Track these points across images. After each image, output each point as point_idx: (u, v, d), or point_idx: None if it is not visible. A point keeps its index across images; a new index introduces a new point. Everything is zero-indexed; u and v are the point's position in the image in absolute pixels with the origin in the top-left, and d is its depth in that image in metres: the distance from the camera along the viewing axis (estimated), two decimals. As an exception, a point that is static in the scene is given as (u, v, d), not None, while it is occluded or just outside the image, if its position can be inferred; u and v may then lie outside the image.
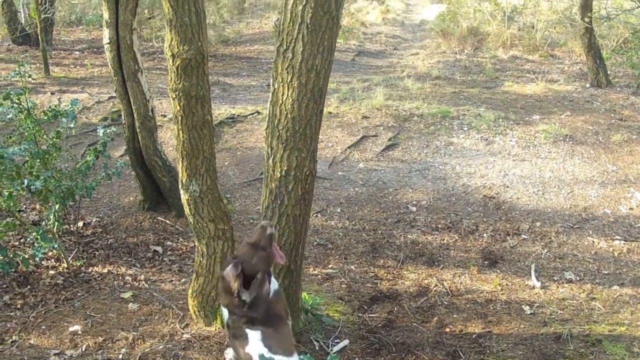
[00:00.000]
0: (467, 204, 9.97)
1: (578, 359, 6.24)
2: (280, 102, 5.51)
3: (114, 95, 12.47)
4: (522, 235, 9.06)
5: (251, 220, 9.22)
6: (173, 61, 5.39)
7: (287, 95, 5.45)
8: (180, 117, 5.59)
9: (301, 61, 5.34)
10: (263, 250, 4.98)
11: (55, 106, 7.94)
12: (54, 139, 7.72)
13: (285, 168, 5.69)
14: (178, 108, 5.55)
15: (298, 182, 5.76)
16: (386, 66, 18.61)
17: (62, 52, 19.23)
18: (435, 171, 11.00)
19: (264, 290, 5.00)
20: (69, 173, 7.91)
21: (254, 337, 4.94)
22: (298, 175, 5.73)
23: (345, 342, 6.40)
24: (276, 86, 5.53)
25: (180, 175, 5.88)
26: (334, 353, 6.18)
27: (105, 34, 8.40)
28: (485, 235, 9.05)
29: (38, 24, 16.02)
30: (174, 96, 5.53)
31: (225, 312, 5.21)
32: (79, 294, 7.17)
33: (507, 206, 9.87)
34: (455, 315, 7.12)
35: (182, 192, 5.92)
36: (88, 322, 6.61)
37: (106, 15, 8.31)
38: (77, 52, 19.26)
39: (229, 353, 5.56)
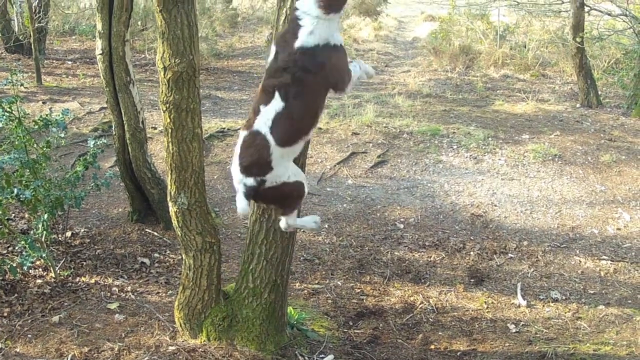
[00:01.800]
0: (454, 222, 10.00)
1: (562, 378, 6.28)
2: (271, 117, 5.53)
3: (105, 106, 12.49)
4: (509, 254, 9.08)
5: (239, 234, 9.24)
6: (164, 74, 5.41)
7: (278, 110, 5.47)
8: (170, 130, 5.62)
9: (292, 76, 5.36)
10: None
11: (46, 115, 7.93)
12: (44, 149, 7.72)
13: (275, 182, 5.71)
14: (168, 120, 5.58)
15: (286, 196, 5.77)
16: (377, 83, 18.63)
17: (54, 61, 19.22)
18: (423, 189, 11.03)
19: None
20: (58, 183, 7.91)
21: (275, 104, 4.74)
22: (288, 189, 5.75)
23: (330, 357, 6.41)
24: (267, 101, 5.54)
25: (169, 187, 5.90)
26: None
27: (98, 45, 8.43)
28: (472, 253, 9.07)
29: (31, 33, 16.03)
30: (164, 108, 5.56)
31: None
32: (65, 304, 7.18)
33: (494, 225, 9.90)
34: (440, 333, 7.15)
35: (170, 204, 5.94)
36: (74, 331, 6.62)
37: (99, 26, 8.34)
38: (70, 62, 19.26)
39: None
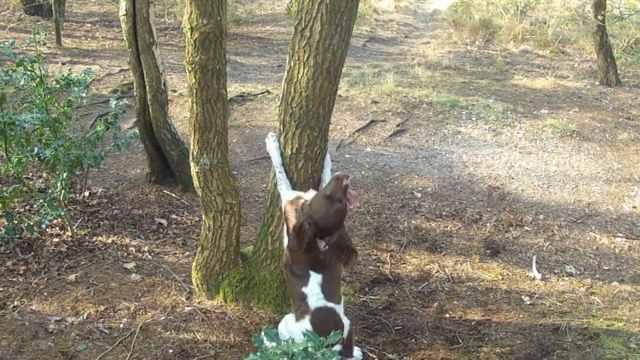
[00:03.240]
0: (471, 193, 9.99)
1: (575, 351, 6.27)
2: (296, 80, 5.54)
3: (125, 67, 12.55)
4: (525, 227, 9.08)
5: (257, 198, 9.26)
6: (191, 34, 5.42)
7: (303, 73, 5.49)
8: (195, 90, 5.63)
9: (318, 40, 5.38)
10: (339, 203, 4.97)
11: (68, 75, 7.94)
12: (65, 108, 7.74)
13: (297, 146, 5.73)
14: (193, 81, 5.59)
15: (308, 160, 5.79)
16: (397, 53, 18.59)
17: (73, 24, 19.19)
18: (441, 159, 11.02)
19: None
20: (78, 142, 7.92)
21: (315, 280, 5.17)
22: (309, 154, 5.77)
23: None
24: (292, 64, 5.56)
25: (191, 147, 5.92)
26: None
27: (122, 6, 8.43)
28: (488, 224, 9.07)
29: (52, -5, 16.02)
30: (190, 69, 5.57)
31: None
32: (82, 263, 7.23)
33: (511, 197, 9.89)
34: (455, 302, 7.16)
35: (192, 164, 5.96)
36: (90, 290, 6.67)
37: (123, -13, 8.35)
38: (89, 25, 19.23)
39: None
